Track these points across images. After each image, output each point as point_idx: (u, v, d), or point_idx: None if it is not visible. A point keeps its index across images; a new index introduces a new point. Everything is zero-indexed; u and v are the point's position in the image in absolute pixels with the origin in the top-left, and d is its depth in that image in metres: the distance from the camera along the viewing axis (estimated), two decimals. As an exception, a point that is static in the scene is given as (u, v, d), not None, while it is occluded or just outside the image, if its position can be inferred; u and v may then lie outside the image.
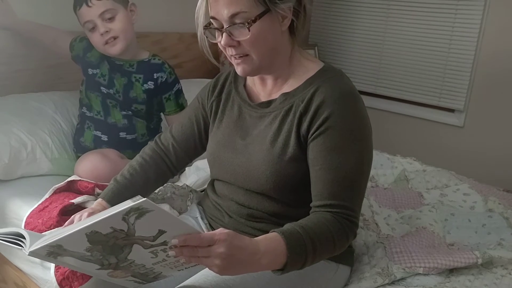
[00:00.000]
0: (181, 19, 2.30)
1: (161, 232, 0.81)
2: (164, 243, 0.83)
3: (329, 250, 1.01)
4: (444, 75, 2.65)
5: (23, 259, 1.49)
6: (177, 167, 1.33)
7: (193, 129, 1.29)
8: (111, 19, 1.66)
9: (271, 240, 0.93)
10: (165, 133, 1.35)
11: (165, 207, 1.40)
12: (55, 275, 1.28)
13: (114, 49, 1.69)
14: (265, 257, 0.91)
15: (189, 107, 1.34)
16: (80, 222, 0.90)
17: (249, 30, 1.03)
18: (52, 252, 0.85)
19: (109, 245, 0.83)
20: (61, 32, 1.85)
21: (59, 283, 1.25)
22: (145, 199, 0.75)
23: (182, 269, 0.92)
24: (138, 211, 0.76)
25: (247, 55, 1.08)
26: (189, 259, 0.86)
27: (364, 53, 2.94)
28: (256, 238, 0.93)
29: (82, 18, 1.66)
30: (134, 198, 0.77)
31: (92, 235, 0.80)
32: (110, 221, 0.78)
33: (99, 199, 1.22)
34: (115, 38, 1.67)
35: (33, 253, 0.85)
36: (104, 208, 1.18)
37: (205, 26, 1.09)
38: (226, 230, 0.87)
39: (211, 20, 1.08)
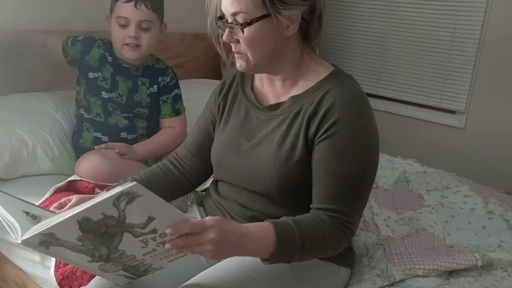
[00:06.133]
0: (183, 19, 2.30)
1: (151, 219, 0.82)
2: (154, 231, 0.85)
3: (320, 250, 1.02)
4: (445, 77, 2.64)
5: (23, 258, 1.50)
6: (195, 176, 1.31)
7: (203, 135, 1.29)
8: (146, 30, 1.67)
9: (261, 227, 0.95)
10: (180, 147, 1.35)
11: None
12: (55, 274, 1.28)
13: (131, 55, 1.70)
14: (253, 243, 0.92)
15: (199, 116, 1.34)
16: (71, 209, 0.91)
17: (243, 32, 1.04)
18: (44, 241, 0.86)
19: (100, 233, 0.84)
20: (47, 35, 1.83)
21: (59, 283, 1.26)
22: (134, 183, 0.77)
23: (172, 260, 0.93)
24: (129, 196, 0.77)
25: (244, 53, 1.09)
26: (181, 249, 0.87)
27: (365, 54, 2.94)
28: (247, 223, 0.95)
29: (121, 11, 1.64)
30: (123, 183, 0.78)
31: (83, 222, 0.81)
32: (101, 207, 0.79)
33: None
34: (138, 46, 1.68)
35: (25, 242, 0.86)
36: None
37: (218, 17, 1.11)
38: (215, 217, 0.89)
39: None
